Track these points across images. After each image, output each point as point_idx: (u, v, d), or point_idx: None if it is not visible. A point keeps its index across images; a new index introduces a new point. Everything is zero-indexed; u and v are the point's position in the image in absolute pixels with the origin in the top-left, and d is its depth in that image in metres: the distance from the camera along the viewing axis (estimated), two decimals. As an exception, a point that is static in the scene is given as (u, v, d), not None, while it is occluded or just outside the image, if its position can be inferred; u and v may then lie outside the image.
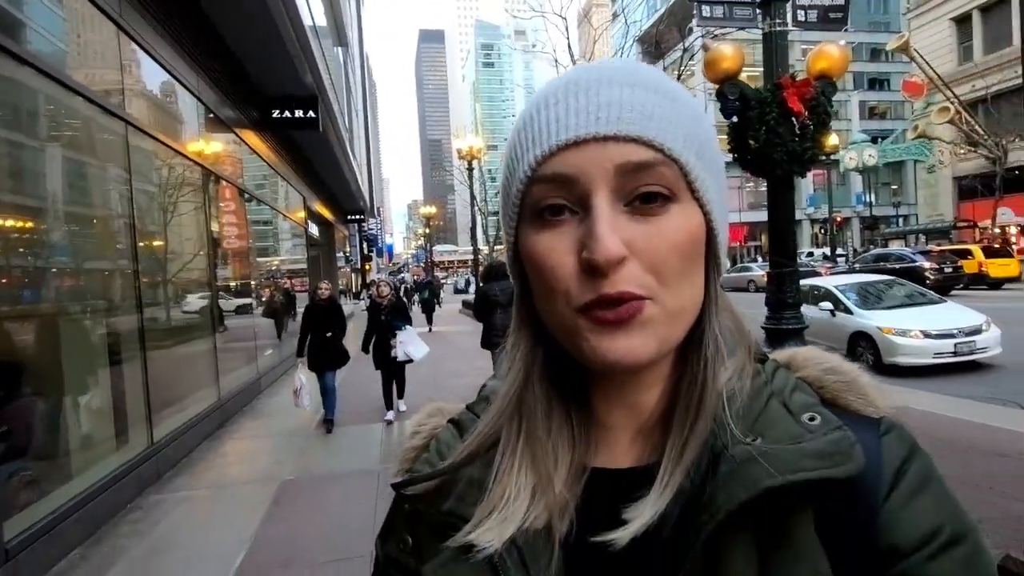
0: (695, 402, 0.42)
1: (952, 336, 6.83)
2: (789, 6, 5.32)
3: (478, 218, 25.81)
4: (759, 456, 0.39)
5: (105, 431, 4.25)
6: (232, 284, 8.38)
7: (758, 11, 5.38)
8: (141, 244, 4.97)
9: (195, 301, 6.56)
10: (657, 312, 0.39)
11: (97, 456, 4.07)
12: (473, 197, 24.03)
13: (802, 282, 8.79)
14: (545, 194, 0.40)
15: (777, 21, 5.14)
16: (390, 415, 6.10)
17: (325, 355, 5.92)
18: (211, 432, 5.96)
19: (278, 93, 8.95)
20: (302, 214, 14.07)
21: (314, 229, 16.45)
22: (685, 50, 9.65)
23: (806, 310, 7.56)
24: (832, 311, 7.63)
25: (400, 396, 6.32)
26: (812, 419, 0.41)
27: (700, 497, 0.39)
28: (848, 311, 7.53)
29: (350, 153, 17.02)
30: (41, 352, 3.70)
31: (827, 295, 7.94)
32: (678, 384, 0.44)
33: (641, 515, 0.39)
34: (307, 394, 5.59)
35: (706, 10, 5.34)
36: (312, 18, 9.38)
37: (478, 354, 8.04)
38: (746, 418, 0.41)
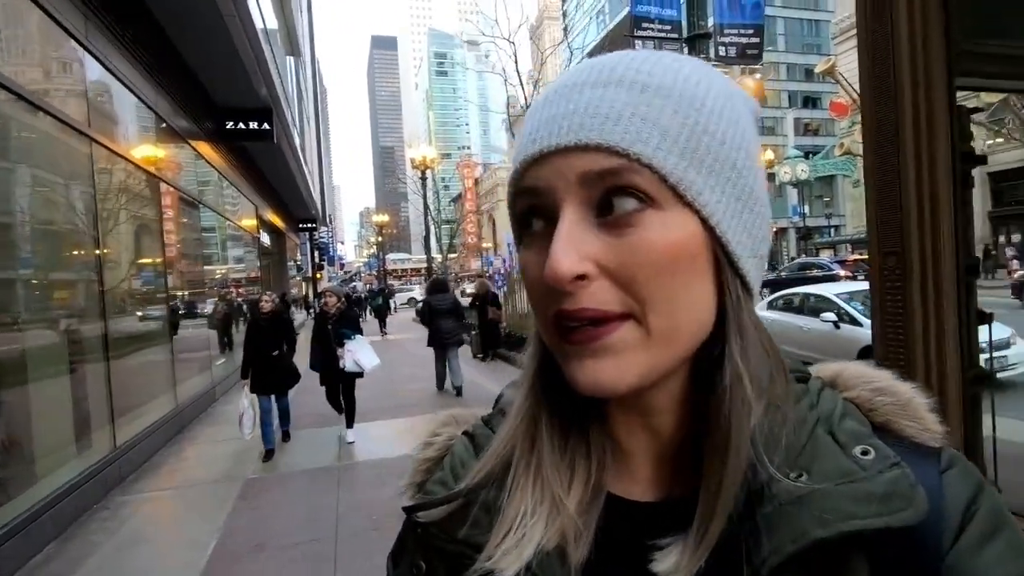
0: (723, 435, 0.37)
1: (982, 351, 5.80)
2: (711, 43, 6.01)
3: (431, 227, 26.03)
4: (806, 498, 0.35)
5: (70, 435, 4.39)
6: (185, 294, 8.41)
7: (684, 47, 6.04)
8: (100, 253, 5.11)
9: (151, 310, 6.64)
10: (636, 335, 0.35)
11: (63, 459, 4.21)
12: (426, 207, 24.29)
13: (795, 290, 8.51)
14: (525, 206, 0.39)
15: (701, 55, 5.81)
16: (351, 435, 5.61)
17: (272, 376, 5.35)
18: (171, 437, 6.08)
19: (232, 104, 9.08)
20: (254, 223, 14.03)
21: (265, 238, 16.36)
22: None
23: (805, 321, 7.26)
24: (835, 323, 6.88)
25: (349, 424, 5.66)
26: (865, 453, 0.36)
27: (737, 538, 0.35)
28: (856, 322, 6.66)
29: (302, 161, 17.03)
30: (6, 359, 3.84)
31: (827, 304, 7.19)
32: (702, 410, 0.39)
33: (677, 568, 0.36)
34: (249, 420, 5.15)
35: (639, 45, 5.95)
36: (265, 26, 9.54)
37: (430, 359, 8.51)
38: (789, 449, 0.37)
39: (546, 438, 0.42)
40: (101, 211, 5.15)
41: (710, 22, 5.76)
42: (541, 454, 0.41)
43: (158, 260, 6.87)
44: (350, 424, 5.66)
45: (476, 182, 74.83)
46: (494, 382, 8.66)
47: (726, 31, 6.61)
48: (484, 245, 66.26)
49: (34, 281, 4.33)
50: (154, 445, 5.64)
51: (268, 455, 5.21)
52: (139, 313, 6.33)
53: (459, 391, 7.80)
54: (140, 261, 6.46)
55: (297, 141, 15.74)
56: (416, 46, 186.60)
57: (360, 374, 5.58)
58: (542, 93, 0.40)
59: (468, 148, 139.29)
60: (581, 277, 0.34)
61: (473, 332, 11.40)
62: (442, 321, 7.90)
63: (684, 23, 6.04)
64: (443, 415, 0.53)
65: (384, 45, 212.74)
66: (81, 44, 4.81)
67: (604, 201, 0.35)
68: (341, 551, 3.36)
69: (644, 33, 5.98)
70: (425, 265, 27.43)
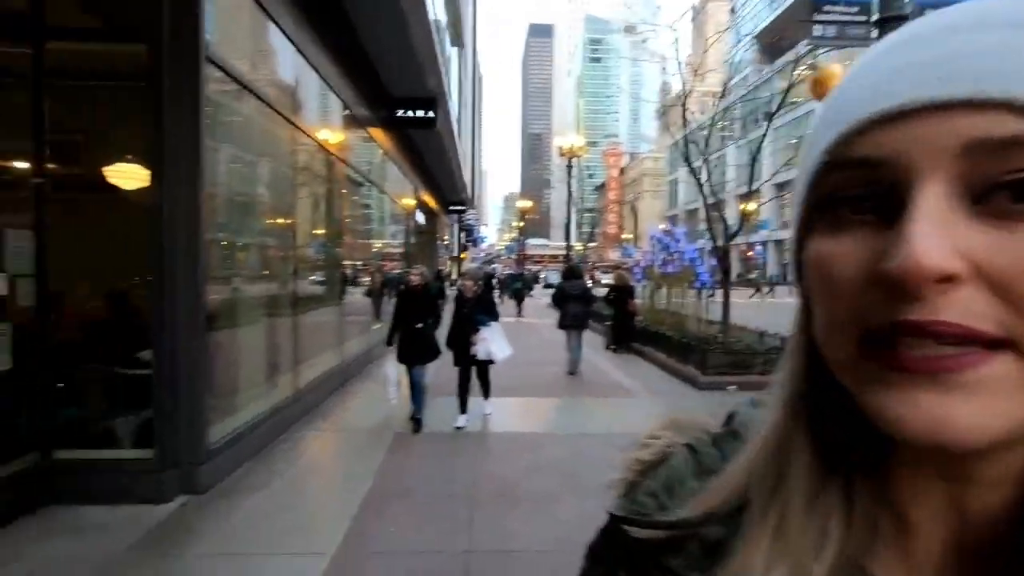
0: None
1: None
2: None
3: (573, 215, 26.20)
4: None
5: (264, 376, 5.26)
6: (352, 264, 9.50)
7: (873, 29, 5.43)
8: (294, 224, 6.01)
9: (326, 276, 7.64)
10: (1014, 372, 0.25)
11: (259, 395, 5.06)
12: (570, 194, 24.51)
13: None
14: (845, 184, 0.29)
15: (894, 40, 5.19)
16: (462, 420, 5.53)
17: (414, 348, 5.49)
18: (336, 388, 6.98)
19: (402, 94, 9.96)
20: (412, 202, 15.27)
21: (420, 217, 17.69)
22: (796, 61, 9.51)
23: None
24: None
25: (486, 395, 5.86)
26: None
27: None
28: None
29: (458, 147, 18.10)
30: (223, 308, 4.69)
31: None
32: None
33: None
34: (393, 386, 5.41)
35: (818, 29, 5.47)
36: (436, 18, 10.27)
37: (561, 343, 8.81)
38: None
39: (798, 484, 0.33)
40: (296, 187, 6.05)
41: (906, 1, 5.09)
42: (788, 504, 0.32)
43: (334, 232, 7.85)
44: (486, 394, 5.89)
45: (621, 171, 73.51)
46: (621, 372, 8.65)
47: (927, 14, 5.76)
48: (624, 236, 65.14)
49: (245, 245, 5.23)
50: (324, 392, 6.51)
51: (416, 424, 5.37)
52: (317, 277, 7.32)
53: (575, 368, 8.51)
54: (319, 231, 7.43)
55: (455, 128, 16.77)
56: (572, 33, 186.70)
57: (492, 361, 5.69)
58: (878, 45, 0.30)
59: (615, 136, 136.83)
60: (948, 278, 0.24)
61: (608, 323, 11.39)
62: (571, 305, 8.69)
63: (875, 2, 5.42)
64: (666, 418, 0.44)
65: (540, 33, 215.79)
66: (288, 37, 5.62)
67: (991, 182, 0.25)
68: (476, 510, 3.67)
69: (825, 17, 5.48)
70: (563, 252, 27.78)
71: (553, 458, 4.70)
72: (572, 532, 3.30)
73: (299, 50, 5.82)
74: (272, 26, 5.24)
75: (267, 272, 5.60)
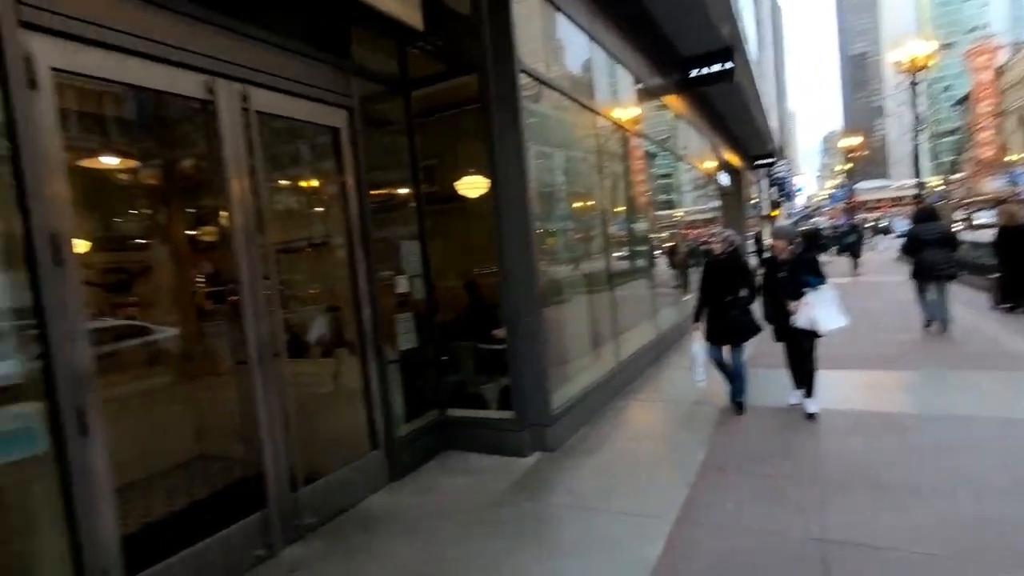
0: None
1: None
2: None
3: (924, 144, 20.81)
4: None
5: (588, 347, 5.74)
6: (658, 236, 9.53)
7: None
8: (601, 205, 6.34)
9: (635, 250, 7.85)
10: None
11: (585, 365, 5.55)
12: (916, 119, 19.51)
13: None
14: None
15: None
16: (795, 396, 4.91)
17: (723, 325, 4.87)
18: (653, 360, 7.16)
19: (694, 52, 9.43)
20: (712, 164, 14.43)
21: (724, 178, 16.60)
22: None
23: None
24: None
25: (808, 392, 4.74)
26: None
27: None
28: None
29: (759, 93, 16.27)
30: (551, 286, 5.27)
31: None
32: None
33: None
34: (701, 367, 4.92)
35: None
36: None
37: (912, 309, 7.20)
38: None
39: None
40: (601, 170, 6.36)
41: None
42: None
43: (637, 206, 7.99)
44: (809, 392, 4.73)
45: (998, 73, 54.87)
46: (1020, 338, 6.55)
47: None
48: (1010, 158, 48.48)
49: (562, 230, 5.76)
50: (642, 364, 6.75)
51: (737, 407, 4.94)
52: (626, 252, 7.59)
53: (940, 326, 7.32)
54: (622, 208, 7.65)
55: (754, 72, 15.12)
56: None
57: (816, 333, 4.61)
58: None
59: (986, 27, 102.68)
60: None
61: (994, 275, 8.76)
62: (929, 252, 7.33)
63: None
64: None
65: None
66: (575, 22, 5.88)
67: None
68: (828, 494, 3.29)
69: None
70: (911, 192, 22.38)
71: (928, 444, 3.87)
72: (970, 537, 2.69)
73: (585, 31, 6.04)
74: (560, 16, 5.55)
75: (583, 252, 6.07)
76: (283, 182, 4.70)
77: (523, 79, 4.45)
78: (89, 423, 2.34)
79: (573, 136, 6.06)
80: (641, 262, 7.93)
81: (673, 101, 10.15)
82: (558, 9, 5.43)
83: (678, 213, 12.22)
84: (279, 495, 3.22)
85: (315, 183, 4.69)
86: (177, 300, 5.52)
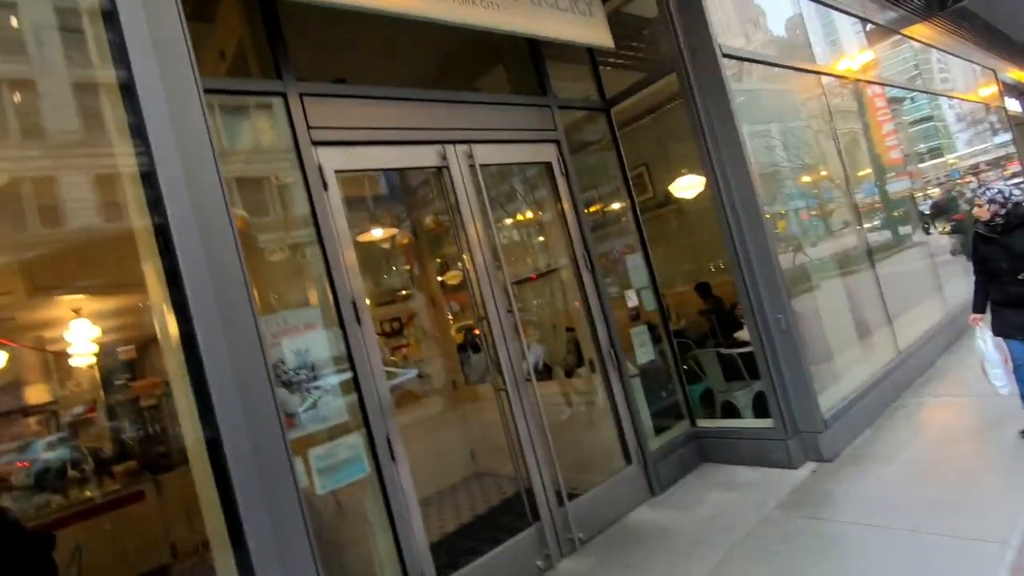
0: None
1: None
2: None
3: None
4: None
5: (854, 338, 4.95)
6: (923, 195, 7.87)
7: None
8: (845, 172, 5.48)
9: (895, 216, 6.60)
10: None
11: (854, 360, 4.79)
12: None
13: None
14: None
15: None
16: None
17: (1015, 314, 3.49)
18: (949, 344, 5.85)
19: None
20: (991, 90, 11.43)
21: (1014, 104, 13.01)
22: None
23: None
24: None
25: None
26: None
27: None
28: None
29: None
30: (804, 278, 4.70)
31: None
32: None
33: None
34: (998, 369, 3.64)
35: None
36: None
37: None
38: None
39: None
40: (832, 133, 5.53)
41: None
42: None
43: (886, 164, 6.73)
44: None
45: None
46: None
47: None
48: None
49: (797, 209, 5.13)
50: (931, 352, 5.56)
51: None
52: (882, 220, 6.42)
53: None
54: (867, 171, 6.50)
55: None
56: None
57: None
58: None
59: None
60: None
61: None
62: None
63: None
64: None
65: None
66: None
67: None
68: None
69: None
70: None
71: None
72: None
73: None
74: None
75: (829, 230, 5.32)
76: (508, 220, 5.15)
77: (726, 64, 4.16)
78: (395, 449, 2.83)
79: (791, 104, 5.41)
80: (906, 228, 6.62)
81: (917, 31, 8.38)
82: None
83: (950, 160, 9.93)
84: (550, 509, 3.44)
85: (535, 214, 5.02)
86: (438, 338, 6.40)
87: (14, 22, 2.26)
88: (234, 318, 1.85)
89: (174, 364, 2.15)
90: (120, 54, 1.84)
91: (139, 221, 2.21)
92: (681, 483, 4.15)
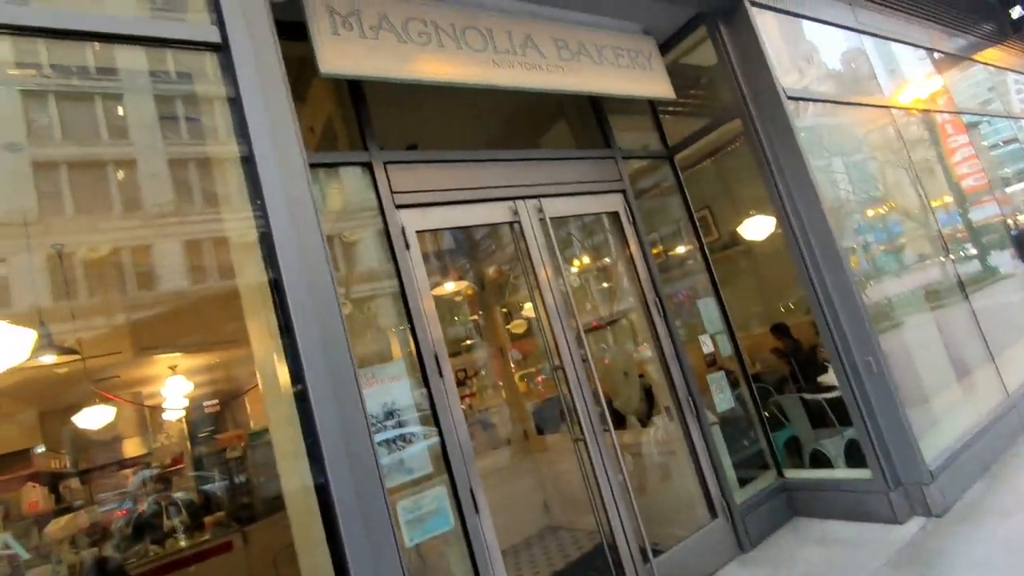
0: None
1: None
2: None
3: None
4: None
5: (952, 378, 4.59)
6: (1015, 218, 7.36)
7: None
8: (925, 203, 5.25)
9: (985, 243, 6.21)
10: None
11: (954, 403, 4.43)
12: None
13: None
14: None
15: None
16: None
17: None
18: (1063, 385, 5.32)
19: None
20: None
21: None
22: None
23: None
24: None
25: None
26: None
27: None
28: None
29: None
30: (891, 315, 4.46)
31: None
32: None
33: None
34: None
35: None
36: None
37: None
38: None
39: None
40: (905, 163, 5.33)
41: None
42: None
43: (971, 192, 6.38)
44: None
45: None
46: None
47: None
48: None
49: (878, 241, 4.92)
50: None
51: None
52: (971, 249, 6.04)
53: None
54: (948, 199, 6.17)
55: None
56: None
57: None
58: None
59: None
60: None
61: None
62: None
63: None
64: None
65: None
66: (839, 25, 5.23)
67: None
68: None
69: None
70: None
71: None
72: None
73: (843, 26, 5.34)
74: (807, 24, 5.03)
75: (914, 262, 5.05)
76: (576, 269, 5.21)
77: (790, 106, 4.15)
78: (478, 501, 2.84)
79: (854, 137, 5.28)
80: (997, 258, 6.19)
81: (990, 55, 8.07)
82: (799, 16, 5.00)
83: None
84: (634, 566, 3.31)
85: (604, 261, 5.05)
86: (506, 386, 6.42)
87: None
88: (337, 368, 1.97)
89: (278, 414, 2.29)
90: (242, 133, 2.07)
91: (246, 279, 2.42)
92: (772, 539, 3.90)
